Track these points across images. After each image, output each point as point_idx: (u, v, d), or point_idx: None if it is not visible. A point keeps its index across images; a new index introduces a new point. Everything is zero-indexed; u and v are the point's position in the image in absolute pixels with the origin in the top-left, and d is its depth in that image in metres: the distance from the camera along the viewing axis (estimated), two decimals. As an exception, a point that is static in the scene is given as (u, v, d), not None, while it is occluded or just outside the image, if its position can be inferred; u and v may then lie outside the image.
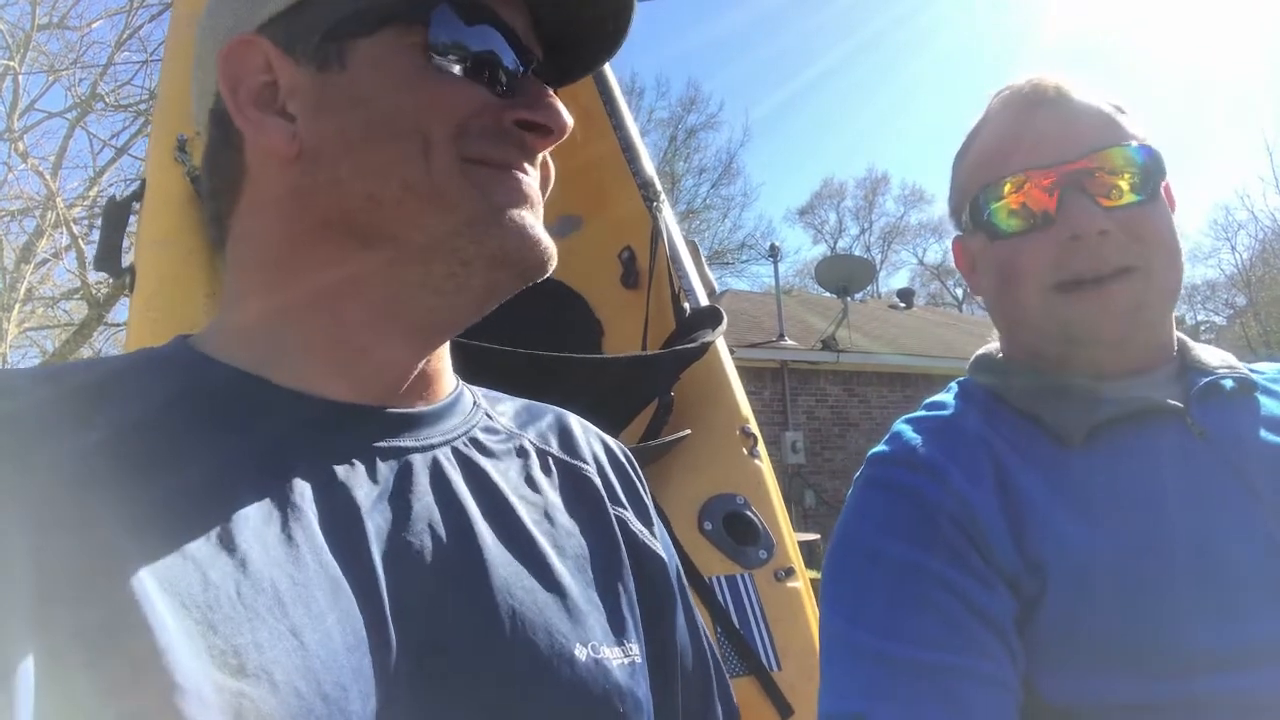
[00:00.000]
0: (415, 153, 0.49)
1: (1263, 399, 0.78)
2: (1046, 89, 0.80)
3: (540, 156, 0.54)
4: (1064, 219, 0.74)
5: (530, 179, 0.53)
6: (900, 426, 0.82)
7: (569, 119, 0.53)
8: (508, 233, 0.50)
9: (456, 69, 0.51)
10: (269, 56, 0.51)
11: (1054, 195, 0.75)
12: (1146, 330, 0.77)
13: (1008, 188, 0.78)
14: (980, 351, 0.90)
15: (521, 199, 0.51)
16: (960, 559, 0.68)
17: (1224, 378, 0.78)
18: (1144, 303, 0.75)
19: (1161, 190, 0.77)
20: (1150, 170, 0.76)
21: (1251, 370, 0.83)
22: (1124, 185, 0.75)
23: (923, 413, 0.85)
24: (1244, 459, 0.71)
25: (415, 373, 0.54)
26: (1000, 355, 0.88)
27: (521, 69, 0.53)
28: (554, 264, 0.53)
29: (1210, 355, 0.81)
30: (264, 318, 0.51)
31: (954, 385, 0.88)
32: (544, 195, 0.55)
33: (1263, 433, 0.73)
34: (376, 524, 0.46)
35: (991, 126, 0.83)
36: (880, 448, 0.81)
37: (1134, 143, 0.76)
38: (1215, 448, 0.72)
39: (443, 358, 0.57)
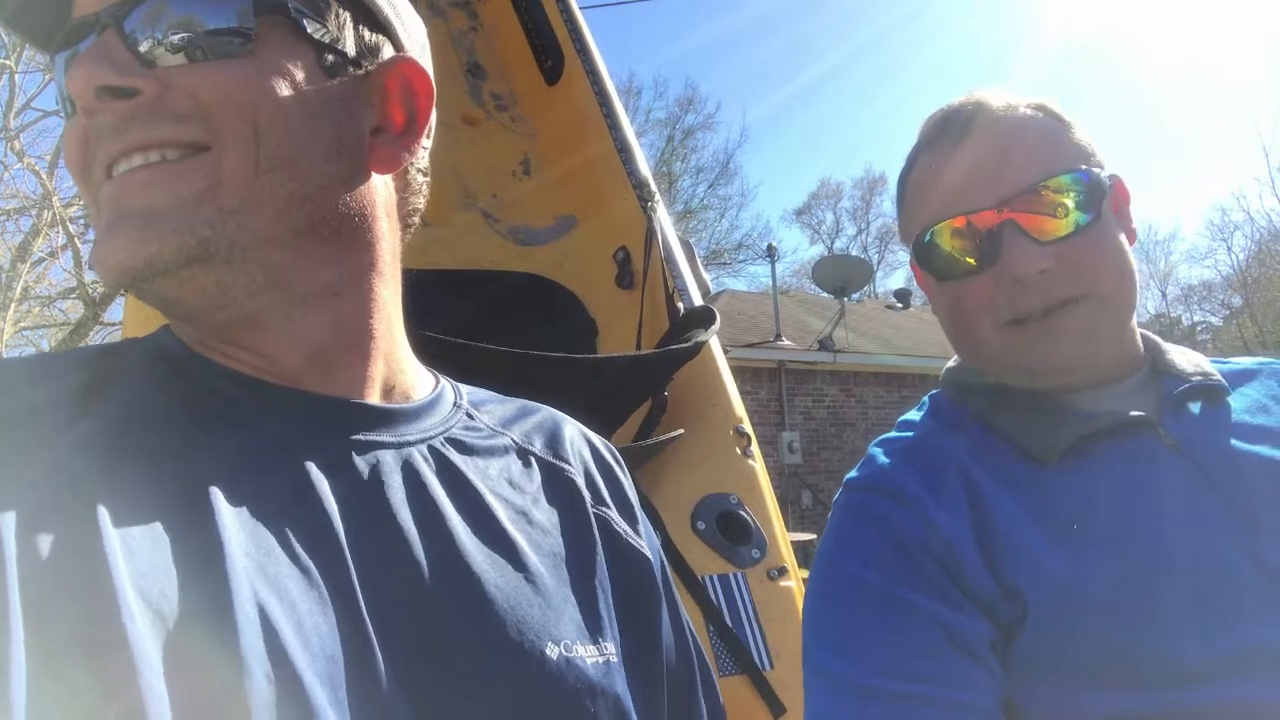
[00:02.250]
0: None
1: (1235, 403, 0.77)
2: (974, 119, 0.77)
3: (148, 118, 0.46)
4: (1004, 261, 0.73)
5: (115, 182, 0.47)
6: (874, 450, 0.82)
7: (83, 77, 0.45)
8: (96, 249, 0.47)
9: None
10: None
11: (993, 235, 0.73)
12: (1104, 349, 0.76)
13: (946, 232, 0.76)
14: (950, 364, 0.90)
15: (101, 206, 0.47)
16: (939, 590, 0.68)
17: (1195, 385, 0.76)
18: (1096, 326, 0.73)
19: (1106, 206, 0.74)
20: (1090, 192, 0.73)
21: (1232, 364, 0.82)
22: (1066, 209, 0.73)
23: (895, 434, 0.84)
24: (1217, 468, 0.70)
25: (329, 343, 0.52)
26: (970, 369, 0.87)
27: (76, 50, 0.49)
28: (122, 269, 0.46)
29: (1182, 359, 0.80)
30: None
31: (925, 401, 0.88)
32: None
33: (1234, 441, 0.73)
34: (348, 517, 0.46)
35: (925, 162, 0.80)
36: (854, 473, 0.81)
37: (1075, 169, 0.74)
38: (1188, 459, 0.71)
39: (384, 352, 0.55)
